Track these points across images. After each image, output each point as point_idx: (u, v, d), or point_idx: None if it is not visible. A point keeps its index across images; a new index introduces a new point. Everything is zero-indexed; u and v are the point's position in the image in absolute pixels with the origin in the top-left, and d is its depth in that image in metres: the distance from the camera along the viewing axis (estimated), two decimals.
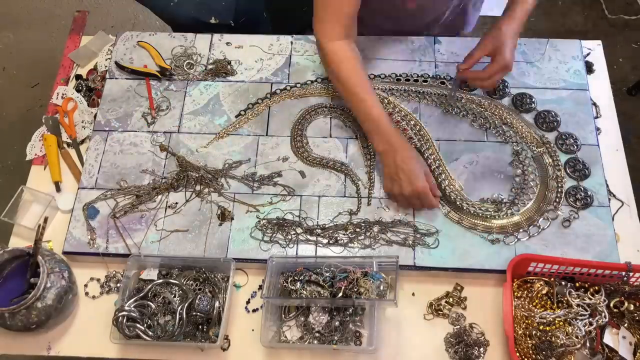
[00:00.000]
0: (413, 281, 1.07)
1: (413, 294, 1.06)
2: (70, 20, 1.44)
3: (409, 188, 1.06)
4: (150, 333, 0.99)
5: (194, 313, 1.00)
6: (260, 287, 1.07)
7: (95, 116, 1.25)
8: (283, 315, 1.03)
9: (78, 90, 1.31)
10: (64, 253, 1.09)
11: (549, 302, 1.01)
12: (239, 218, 1.11)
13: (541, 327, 0.97)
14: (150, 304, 1.01)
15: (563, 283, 1.01)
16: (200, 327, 1.02)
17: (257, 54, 1.31)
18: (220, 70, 1.28)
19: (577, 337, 0.95)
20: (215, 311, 1.01)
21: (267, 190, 1.14)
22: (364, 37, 1.36)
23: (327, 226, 1.10)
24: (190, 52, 1.32)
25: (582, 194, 1.11)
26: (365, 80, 1.10)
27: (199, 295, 1.01)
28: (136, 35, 1.34)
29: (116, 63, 1.29)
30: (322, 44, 1.09)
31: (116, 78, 1.29)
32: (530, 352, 0.97)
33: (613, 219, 1.10)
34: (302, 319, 1.02)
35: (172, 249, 1.08)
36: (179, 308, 1.00)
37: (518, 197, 1.12)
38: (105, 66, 1.33)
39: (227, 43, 1.33)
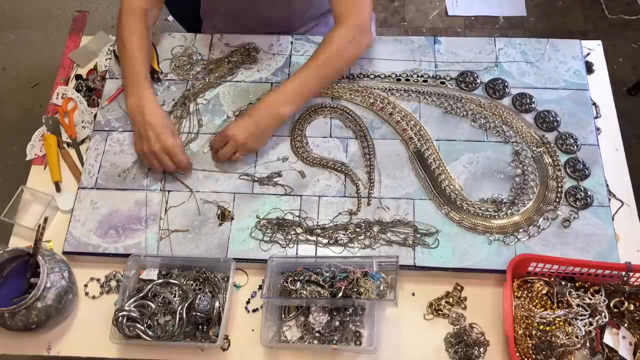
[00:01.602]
0: (413, 281, 1.07)
1: (413, 294, 1.06)
2: (70, 20, 1.44)
3: (157, 145, 1.09)
4: (150, 333, 0.99)
5: (194, 313, 1.00)
6: (260, 287, 1.07)
7: (95, 116, 1.25)
8: (283, 315, 1.03)
9: (78, 90, 1.31)
10: (64, 253, 1.09)
11: (549, 302, 1.01)
12: (239, 218, 1.11)
13: (541, 327, 0.97)
14: (150, 304, 1.01)
15: (563, 283, 1.01)
16: (200, 327, 1.02)
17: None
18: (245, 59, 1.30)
19: (577, 337, 0.95)
20: (215, 311, 1.01)
21: (267, 190, 1.14)
22: None
23: (327, 226, 1.10)
24: (190, 52, 1.32)
25: (582, 194, 1.11)
26: (142, 46, 1.17)
27: (199, 295, 1.01)
28: None
29: (114, 52, 1.30)
30: (121, 10, 1.19)
31: (116, 78, 1.29)
32: (530, 352, 0.97)
33: (613, 219, 1.10)
34: (302, 319, 1.02)
35: (172, 249, 1.08)
36: (179, 308, 1.00)
37: (518, 197, 1.12)
38: (106, 66, 1.33)
39: (226, 44, 1.32)
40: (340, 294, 0.99)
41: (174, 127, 1.15)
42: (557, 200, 1.11)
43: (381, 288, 0.99)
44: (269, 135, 1.16)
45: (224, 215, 1.11)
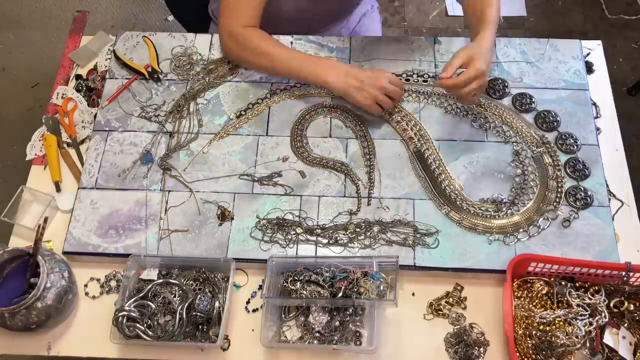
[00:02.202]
0: (413, 281, 1.07)
1: (413, 294, 1.06)
2: (70, 20, 1.44)
3: (380, 83, 1.13)
4: (150, 333, 0.99)
5: (194, 313, 1.00)
6: (260, 287, 1.07)
7: (95, 116, 1.25)
8: (283, 315, 1.03)
9: (78, 90, 1.31)
10: (64, 253, 1.09)
11: (549, 302, 1.01)
12: (239, 218, 1.11)
13: (541, 327, 0.97)
14: (150, 304, 1.01)
15: (563, 283, 1.01)
16: (200, 327, 1.02)
17: None
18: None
19: (577, 337, 0.95)
20: (215, 311, 1.01)
21: (267, 190, 1.14)
22: (363, 36, 1.36)
23: (327, 226, 1.10)
24: (190, 52, 1.32)
25: (582, 194, 1.11)
26: (283, 46, 1.21)
27: (199, 295, 1.01)
28: (136, 35, 1.34)
29: (114, 52, 1.30)
30: (234, 31, 1.19)
31: (116, 78, 1.29)
32: (530, 352, 0.97)
33: (613, 219, 1.10)
34: (302, 319, 1.02)
35: (172, 249, 1.08)
36: (179, 308, 1.00)
37: (518, 197, 1.12)
38: (106, 66, 1.33)
39: None
40: (340, 294, 0.99)
41: (378, 68, 1.21)
42: (557, 200, 1.11)
43: (381, 288, 0.99)
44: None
45: (224, 215, 1.11)
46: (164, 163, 1.18)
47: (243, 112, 1.24)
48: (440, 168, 1.15)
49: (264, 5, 1.20)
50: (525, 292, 1.02)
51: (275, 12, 1.26)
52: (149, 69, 1.28)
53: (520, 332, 0.98)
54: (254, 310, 1.06)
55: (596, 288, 1.01)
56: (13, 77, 2.46)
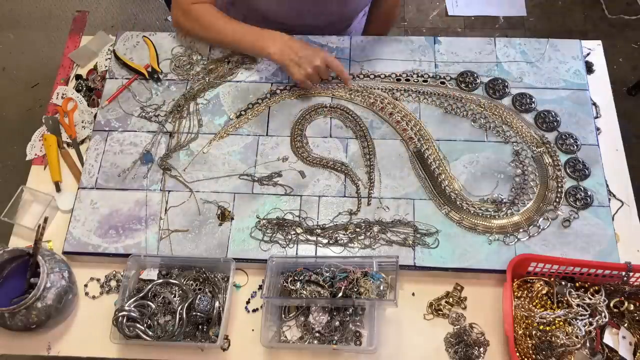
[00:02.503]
0: (413, 281, 1.07)
1: (413, 294, 1.06)
2: (70, 20, 1.44)
3: (317, 58, 1.18)
4: (150, 333, 0.99)
5: (194, 313, 1.00)
6: (260, 287, 1.07)
7: (95, 116, 1.25)
8: (283, 315, 1.03)
9: (78, 90, 1.31)
10: (64, 253, 1.09)
11: (549, 302, 1.01)
12: (239, 218, 1.11)
13: (541, 327, 0.97)
14: (150, 304, 1.01)
15: (563, 283, 1.01)
16: (200, 327, 1.02)
17: None
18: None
19: (577, 337, 0.95)
20: (215, 311, 1.01)
21: (267, 190, 1.14)
22: (363, 36, 1.36)
23: (327, 226, 1.10)
24: (190, 52, 1.32)
25: (582, 194, 1.11)
26: (227, 17, 1.24)
27: (199, 295, 1.01)
28: (136, 35, 1.34)
29: (114, 52, 1.31)
30: (184, 7, 1.23)
31: (116, 78, 1.29)
32: (530, 352, 0.97)
33: (613, 219, 1.10)
34: (302, 319, 1.02)
35: (172, 249, 1.08)
36: (179, 308, 1.00)
37: (518, 197, 1.12)
38: (106, 66, 1.33)
39: None
40: (340, 294, 0.99)
41: (315, 45, 1.23)
42: (557, 200, 1.11)
43: (381, 288, 0.99)
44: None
45: (224, 215, 1.11)
46: (164, 163, 1.18)
47: (243, 112, 1.24)
48: (440, 168, 1.15)
49: None
50: (525, 292, 1.02)
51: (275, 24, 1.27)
52: (149, 69, 1.28)
53: (520, 332, 0.98)
54: (254, 310, 1.06)
55: (596, 288, 1.01)
56: (13, 77, 2.46)
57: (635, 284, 1.01)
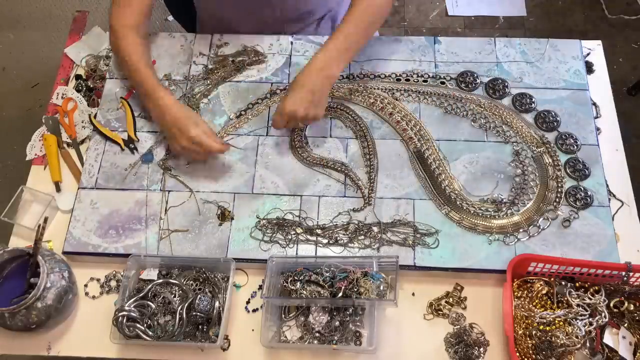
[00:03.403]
0: (413, 281, 1.07)
1: (413, 294, 1.06)
2: (70, 20, 1.44)
3: (183, 139, 1.08)
4: (150, 333, 0.99)
5: (194, 313, 1.00)
6: (260, 287, 1.07)
7: (95, 116, 1.25)
8: (283, 315, 1.03)
9: (78, 90, 1.31)
10: (64, 253, 1.09)
11: (549, 302, 1.01)
12: (239, 218, 1.11)
13: (541, 327, 0.97)
14: (150, 304, 1.01)
15: (563, 283, 1.01)
16: (200, 327, 1.02)
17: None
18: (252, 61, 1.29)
19: (577, 337, 0.95)
20: (215, 311, 1.01)
21: (267, 190, 1.14)
22: None
23: (327, 226, 1.10)
24: (190, 52, 1.32)
25: (582, 194, 1.11)
26: (144, 58, 1.18)
27: (199, 295, 1.01)
28: None
29: (90, 117, 1.24)
30: (114, 27, 1.19)
31: (116, 78, 1.29)
32: (530, 352, 0.97)
33: (613, 219, 1.10)
34: (302, 319, 1.02)
35: (172, 249, 1.08)
36: (179, 308, 1.00)
37: (518, 197, 1.12)
38: (106, 64, 1.33)
39: (225, 43, 1.32)
40: (340, 294, 0.99)
41: (197, 117, 1.13)
42: (557, 200, 1.11)
43: (381, 288, 0.99)
44: (326, 99, 1.13)
45: (224, 215, 1.11)
46: (164, 163, 1.18)
47: (243, 112, 1.24)
48: (440, 168, 1.15)
49: (149, 8, 1.21)
50: (525, 292, 1.02)
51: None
52: (125, 138, 1.21)
53: (520, 332, 0.98)
54: (254, 310, 1.06)
55: (596, 288, 1.01)
56: (13, 77, 2.46)
57: (635, 284, 1.01)
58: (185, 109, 1.13)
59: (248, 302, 1.07)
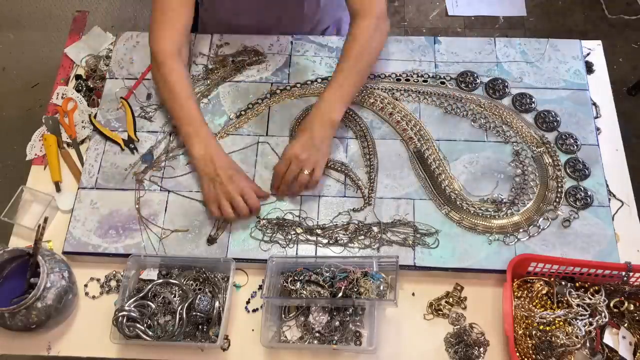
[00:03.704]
0: (413, 281, 1.07)
1: (413, 294, 1.06)
2: (70, 20, 1.44)
3: (231, 185, 1.06)
4: (150, 333, 0.99)
5: (194, 313, 1.00)
6: (260, 287, 1.07)
7: (95, 116, 1.25)
8: (283, 315, 1.03)
9: (78, 90, 1.31)
10: (64, 253, 1.09)
11: (549, 302, 1.01)
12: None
13: (541, 327, 0.97)
14: (150, 304, 1.01)
15: (563, 283, 1.01)
16: (200, 327, 1.02)
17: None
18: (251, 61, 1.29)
19: (577, 337, 0.95)
20: (215, 311, 1.01)
21: (267, 190, 1.14)
22: None
23: (327, 226, 1.10)
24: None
25: (582, 194, 1.11)
26: (191, 91, 1.16)
27: (199, 295, 1.01)
28: (136, 35, 1.34)
29: (90, 117, 1.23)
30: (158, 55, 1.15)
31: (116, 78, 1.29)
32: (530, 352, 0.97)
33: (613, 219, 1.10)
34: (302, 319, 1.02)
35: (172, 249, 1.08)
36: (179, 308, 1.00)
37: (518, 197, 1.12)
38: (107, 64, 1.32)
39: (226, 43, 1.32)
40: (340, 294, 0.99)
41: (244, 173, 1.13)
42: (557, 200, 1.11)
43: (381, 288, 0.99)
44: (328, 144, 1.12)
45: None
46: (164, 163, 1.18)
47: (243, 112, 1.24)
48: (440, 168, 1.15)
49: (189, 27, 1.19)
50: (525, 292, 1.02)
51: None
52: (125, 138, 1.21)
53: (520, 332, 0.99)
54: (254, 310, 1.06)
55: (596, 288, 1.01)
56: (13, 77, 2.46)
57: (635, 284, 1.01)
58: (233, 161, 1.13)
59: (248, 302, 1.07)
